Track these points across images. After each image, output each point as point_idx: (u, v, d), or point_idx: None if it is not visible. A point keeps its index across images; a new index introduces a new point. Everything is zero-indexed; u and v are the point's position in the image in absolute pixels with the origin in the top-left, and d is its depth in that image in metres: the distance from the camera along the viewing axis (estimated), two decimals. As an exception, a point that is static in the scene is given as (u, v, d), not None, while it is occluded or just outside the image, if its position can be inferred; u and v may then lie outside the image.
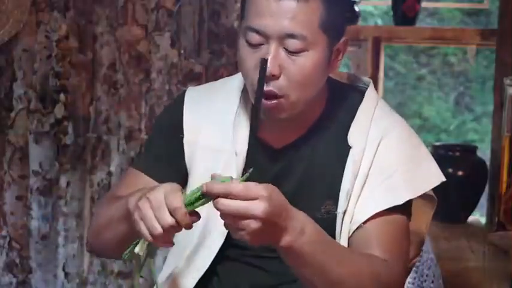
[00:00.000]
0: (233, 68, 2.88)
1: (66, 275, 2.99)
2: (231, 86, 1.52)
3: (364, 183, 1.46)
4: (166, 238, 1.27)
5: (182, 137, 1.53)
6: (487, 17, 5.18)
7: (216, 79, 1.74)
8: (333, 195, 1.48)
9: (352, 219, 1.45)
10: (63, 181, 2.96)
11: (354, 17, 3.03)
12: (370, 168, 1.46)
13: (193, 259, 1.52)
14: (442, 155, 2.83)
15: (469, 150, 2.91)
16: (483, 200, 2.92)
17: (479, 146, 3.38)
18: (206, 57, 2.90)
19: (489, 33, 3.02)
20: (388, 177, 1.46)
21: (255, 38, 1.39)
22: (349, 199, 1.45)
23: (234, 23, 2.89)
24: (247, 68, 1.41)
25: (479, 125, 5.64)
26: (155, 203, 1.25)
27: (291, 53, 1.38)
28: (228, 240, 1.49)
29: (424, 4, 3.15)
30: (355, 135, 1.48)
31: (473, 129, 5.68)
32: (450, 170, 2.85)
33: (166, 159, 1.53)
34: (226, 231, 1.45)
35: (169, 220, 1.24)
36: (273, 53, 1.37)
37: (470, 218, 2.90)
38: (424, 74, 5.77)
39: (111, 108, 2.94)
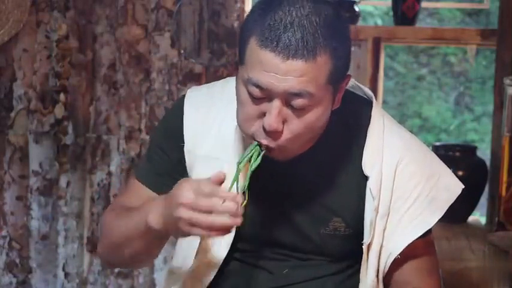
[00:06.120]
0: (233, 68, 2.88)
1: (66, 275, 2.99)
2: (231, 90, 1.45)
3: (388, 213, 1.46)
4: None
5: (183, 146, 1.50)
6: (487, 17, 5.18)
7: (216, 79, 1.73)
8: (341, 214, 1.47)
9: (381, 249, 1.46)
10: (63, 181, 2.96)
11: (354, 17, 3.03)
12: (391, 197, 1.46)
13: (197, 271, 1.51)
14: (442, 155, 2.82)
15: (469, 150, 2.90)
16: (483, 200, 2.92)
17: (479, 146, 3.38)
18: (206, 57, 2.90)
19: (489, 33, 3.01)
20: (412, 204, 1.47)
21: (257, 92, 1.32)
22: (374, 230, 1.45)
23: (234, 23, 2.89)
24: (245, 113, 1.36)
25: (479, 125, 5.64)
26: (205, 203, 1.25)
27: (296, 109, 1.32)
28: (233, 245, 1.49)
29: (424, 4, 3.14)
30: (370, 164, 1.45)
31: (473, 129, 5.68)
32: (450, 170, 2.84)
33: (168, 172, 1.51)
34: (231, 241, 1.47)
35: (231, 206, 1.24)
36: (277, 110, 1.30)
37: (470, 218, 2.89)
38: (424, 74, 5.77)
39: (111, 108, 2.94)
